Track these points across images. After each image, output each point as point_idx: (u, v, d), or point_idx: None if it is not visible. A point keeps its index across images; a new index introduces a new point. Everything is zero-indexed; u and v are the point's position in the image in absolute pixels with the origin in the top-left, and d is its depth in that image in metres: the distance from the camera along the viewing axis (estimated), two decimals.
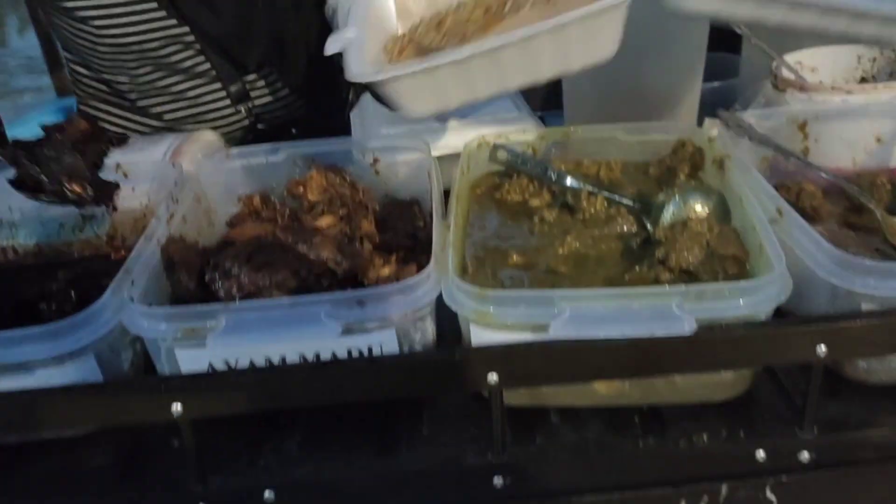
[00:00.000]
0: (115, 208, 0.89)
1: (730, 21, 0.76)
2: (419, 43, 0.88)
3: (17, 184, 0.83)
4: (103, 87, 1.26)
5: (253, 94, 1.27)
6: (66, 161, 0.85)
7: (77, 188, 0.84)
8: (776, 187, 0.88)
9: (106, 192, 0.87)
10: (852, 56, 1.04)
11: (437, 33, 0.86)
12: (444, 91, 0.75)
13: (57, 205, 0.85)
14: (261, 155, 0.95)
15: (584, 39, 0.74)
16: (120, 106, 1.28)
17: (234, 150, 0.96)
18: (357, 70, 0.77)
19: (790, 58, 1.01)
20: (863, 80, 1.04)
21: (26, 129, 2.20)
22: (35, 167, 0.82)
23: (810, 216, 0.85)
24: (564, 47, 0.74)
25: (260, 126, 1.29)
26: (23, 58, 5.19)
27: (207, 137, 1.11)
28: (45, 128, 0.88)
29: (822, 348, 0.62)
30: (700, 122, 0.96)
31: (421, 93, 0.76)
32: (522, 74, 0.75)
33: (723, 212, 0.80)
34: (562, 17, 0.72)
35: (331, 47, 0.83)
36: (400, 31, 0.94)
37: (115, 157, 0.98)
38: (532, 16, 0.85)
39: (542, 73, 0.76)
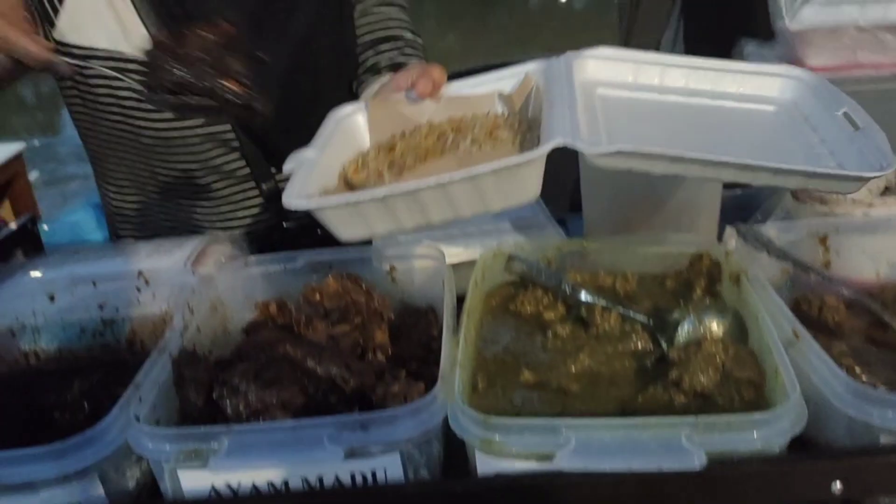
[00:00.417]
0: (265, 116, 0.88)
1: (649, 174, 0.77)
2: (366, 168, 0.90)
3: (150, 87, 0.83)
4: (135, 182, 1.29)
5: (284, 193, 1.29)
6: (218, 59, 0.83)
7: (232, 85, 0.83)
8: (797, 300, 0.87)
9: (264, 94, 0.86)
10: None
11: (384, 159, 0.88)
12: (369, 221, 0.77)
13: (200, 111, 0.85)
14: (279, 262, 0.96)
15: (502, 187, 0.75)
16: (153, 200, 1.31)
17: (253, 258, 0.98)
18: (287, 197, 0.79)
19: None
20: (886, 189, 1.02)
21: (74, 216, 2.27)
22: (180, 66, 0.82)
23: (833, 331, 0.83)
24: (481, 192, 0.75)
25: (286, 224, 1.31)
26: (73, 146, 5.40)
27: (230, 241, 1.13)
28: (186, 31, 0.86)
29: (837, 485, 0.60)
30: (721, 231, 0.95)
31: (348, 221, 0.78)
32: (442, 212, 0.77)
33: (739, 331, 0.79)
34: (477, 167, 0.73)
35: (286, 167, 0.86)
36: (368, 147, 0.97)
37: (137, 264, 1.01)
38: (472, 152, 0.87)
39: (462, 212, 0.77)
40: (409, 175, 0.84)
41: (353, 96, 1.24)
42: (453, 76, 0.98)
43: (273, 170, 1.26)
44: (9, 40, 0.84)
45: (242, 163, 1.24)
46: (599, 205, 1.08)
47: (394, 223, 0.78)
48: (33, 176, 4.86)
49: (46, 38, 1.11)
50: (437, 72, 0.95)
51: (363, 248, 0.99)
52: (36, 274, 1.03)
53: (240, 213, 1.29)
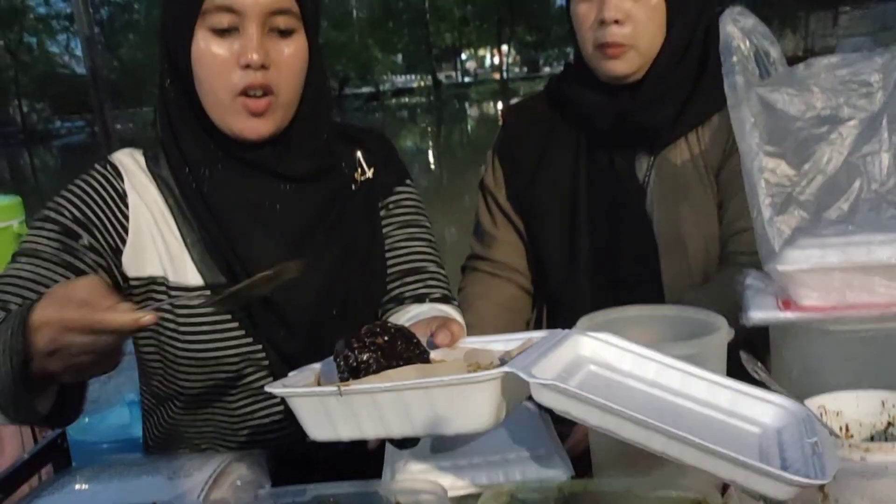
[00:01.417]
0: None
1: (586, 424, 0.81)
2: None
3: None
4: (171, 396, 1.34)
5: None
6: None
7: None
8: None
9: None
10: (877, 401, 1.04)
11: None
12: (334, 420, 0.83)
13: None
14: (289, 496, 0.99)
15: (455, 405, 0.80)
16: (183, 415, 1.35)
17: (264, 491, 1.01)
18: (271, 385, 0.89)
19: (813, 402, 1.02)
20: (889, 426, 1.03)
21: (113, 412, 2.35)
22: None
23: None
24: (434, 407, 0.80)
25: (309, 441, 1.34)
26: None
27: (249, 464, 1.17)
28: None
29: None
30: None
31: (315, 417, 0.84)
32: (399, 422, 0.82)
33: None
34: (431, 378, 0.79)
35: (291, 373, 0.97)
36: None
37: (156, 490, 1.04)
38: (438, 369, 0.92)
39: (418, 426, 0.82)
40: (374, 379, 0.88)
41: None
42: None
43: None
44: (102, 323, 0.86)
45: (271, 380, 1.29)
46: (605, 439, 1.10)
47: (356, 427, 0.83)
48: None
49: (122, 277, 1.22)
50: (457, 327, 1.02)
51: (370, 483, 1.01)
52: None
53: (263, 430, 1.33)
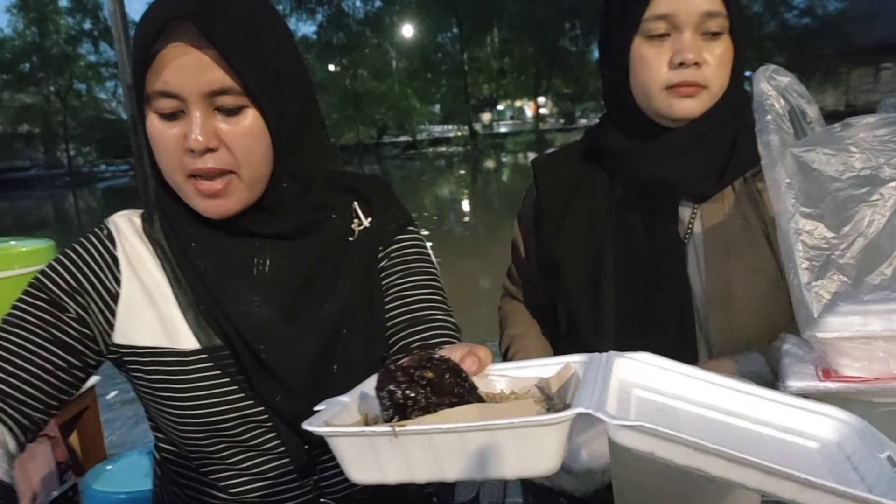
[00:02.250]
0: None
1: (673, 464, 0.74)
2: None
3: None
4: (180, 455, 1.32)
5: (318, 468, 1.29)
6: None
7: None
8: None
9: None
10: None
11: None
12: (381, 461, 0.75)
13: None
14: None
15: (520, 447, 0.73)
16: (191, 476, 1.32)
17: None
18: (307, 423, 0.78)
19: None
20: None
21: (130, 459, 2.34)
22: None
23: None
24: (498, 449, 0.73)
25: (323, 501, 1.31)
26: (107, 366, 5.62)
27: None
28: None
29: None
30: None
31: (360, 457, 0.76)
32: (457, 465, 0.75)
33: None
34: (497, 421, 0.72)
35: (318, 407, 0.86)
36: None
37: None
38: (497, 409, 0.86)
39: (478, 469, 0.75)
40: (431, 419, 0.81)
41: None
42: None
43: (307, 447, 1.27)
44: None
45: (277, 441, 1.26)
46: (632, 496, 1.05)
47: (407, 470, 0.75)
48: (111, 395, 5.06)
49: (106, 346, 1.21)
50: (483, 352, 0.96)
51: None
52: None
53: (275, 489, 1.29)
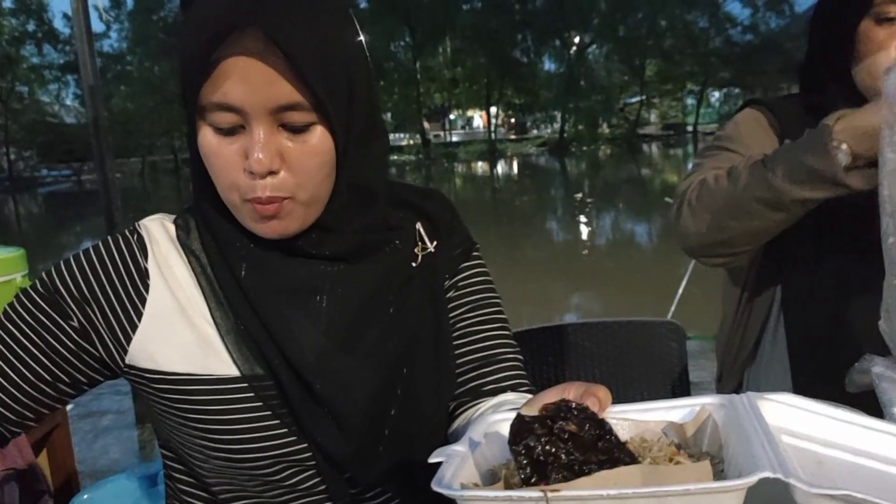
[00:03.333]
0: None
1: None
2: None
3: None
4: (199, 486, 1.18)
5: None
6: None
7: None
8: None
9: None
10: None
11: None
12: None
13: None
14: None
15: None
16: None
17: None
18: (437, 482, 0.72)
19: None
20: None
21: (117, 483, 2.21)
22: None
23: None
24: None
25: None
26: (105, 386, 5.43)
27: None
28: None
29: None
30: None
31: None
32: None
33: None
34: (668, 486, 0.65)
35: (435, 457, 0.78)
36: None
37: None
38: (656, 470, 0.79)
39: None
40: (585, 483, 0.73)
41: (449, 417, 1.17)
42: None
43: (352, 492, 1.12)
44: None
45: (318, 480, 1.12)
46: None
47: None
48: (68, 408, 4.87)
49: (117, 364, 1.08)
50: (603, 392, 0.87)
51: None
52: None
53: None
